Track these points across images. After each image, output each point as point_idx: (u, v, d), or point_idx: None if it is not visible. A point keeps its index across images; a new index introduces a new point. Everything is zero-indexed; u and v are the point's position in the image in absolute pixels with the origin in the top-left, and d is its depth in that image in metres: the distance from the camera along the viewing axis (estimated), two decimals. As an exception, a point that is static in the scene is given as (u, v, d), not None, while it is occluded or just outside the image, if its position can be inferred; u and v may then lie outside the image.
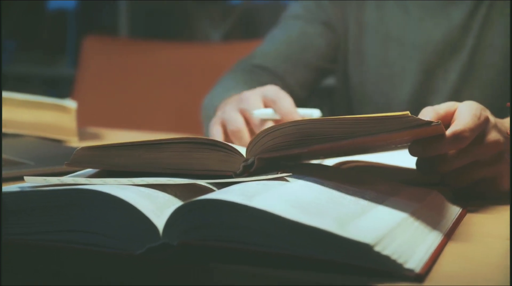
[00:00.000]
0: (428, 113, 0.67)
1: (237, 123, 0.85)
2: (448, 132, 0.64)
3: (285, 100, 0.85)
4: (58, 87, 3.16)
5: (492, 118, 0.70)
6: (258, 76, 1.16)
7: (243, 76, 1.15)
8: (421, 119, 0.58)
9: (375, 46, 1.20)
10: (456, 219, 0.62)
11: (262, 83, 1.14)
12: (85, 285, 0.52)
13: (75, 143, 1.08)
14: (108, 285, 0.52)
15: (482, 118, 0.67)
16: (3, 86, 1.16)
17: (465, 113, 0.66)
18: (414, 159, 0.69)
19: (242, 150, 0.61)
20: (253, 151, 0.61)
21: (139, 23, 3.07)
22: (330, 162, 0.75)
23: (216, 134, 0.87)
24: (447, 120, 0.67)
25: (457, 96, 1.13)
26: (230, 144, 0.61)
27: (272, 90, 0.87)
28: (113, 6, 3.08)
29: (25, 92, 1.11)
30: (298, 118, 0.84)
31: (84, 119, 1.54)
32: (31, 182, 0.56)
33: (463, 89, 1.13)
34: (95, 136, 1.17)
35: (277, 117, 0.84)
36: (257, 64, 1.18)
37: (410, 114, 0.57)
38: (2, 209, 0.54)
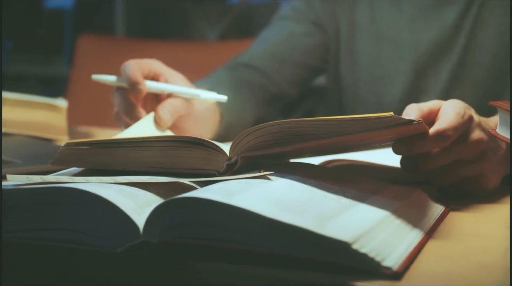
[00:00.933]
0: (412, 111, 0.67)
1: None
2: (431, 130, 0.65)
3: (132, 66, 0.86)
4: (55, 87, 3.16)
5: (476, 117, 0.70)
6: (240, 73, 1.16)
7: (224, 73, 1.15)
8: (402, 118, 0.58)
9: (367, 46, 1.20)
10: (439, 217, 0.62)
11: (244, 80, 1.14)
12: (66, 283, 0.52)
13: (65, 142, 1.08)
14: (90, 283, 0.52)
15: (465, 117, 0.67)
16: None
17: (449, 112, 0.67)
18: (399, 157, 0.69)
19: (226, 149, 0.61)
20: (236, 149, 0.61)
21: (136, 22, 3.07)
22: (316, 160, 0.75)
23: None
24: (431, 118, 0.68)
25: (448, 95, 1.13)
26: (213, 142, 0.61)
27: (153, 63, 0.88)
28: (110, 6, 3.08)
29: (22, 92, 1.11)
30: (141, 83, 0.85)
31: (79, 118, 1.54)
32: (13, 180, 0.56)
33: (454, 89, 1.14)
34: (86, 135, 1.17)
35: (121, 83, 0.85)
36: (242, 62, 1.19)
37: (393, 114, 0.57)
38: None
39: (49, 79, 3.22)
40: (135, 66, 0.85)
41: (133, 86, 0.84)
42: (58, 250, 0.52)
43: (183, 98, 0.87)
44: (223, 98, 0.89)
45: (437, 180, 0.70)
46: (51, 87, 3.16)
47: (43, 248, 0.53)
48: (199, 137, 0.61)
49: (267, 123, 0.61)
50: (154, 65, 0.89)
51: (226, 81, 1.11)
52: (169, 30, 3.02)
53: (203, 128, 0.95)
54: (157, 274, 0.50)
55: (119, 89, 0.87)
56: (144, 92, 0.85)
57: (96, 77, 0.88)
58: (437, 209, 0.64)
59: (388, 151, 0.73)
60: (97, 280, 0.52)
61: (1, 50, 2.83)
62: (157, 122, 0.84)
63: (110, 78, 0.87)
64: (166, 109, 0.84)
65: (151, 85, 0.86)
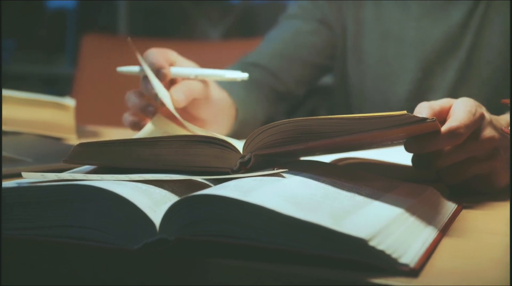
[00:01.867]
0: (423, 109, 0.67)
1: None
2: (444, 128, 0.65)
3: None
4: (57, 86, 3.16)
5: (487, 115, 0.70)
6: (249, 72, 1.16)
7: None
8: (416, 116, 0.58)
9: (374, 44, 1.21)
10: (452, 215, 0.62)
11: (252, 80, 1.14)
12: (82, 281, 0.52)
13: (74, 140, 1.09)
14: (105, 281, 0.52)
15: (477, 115, 0.67)
16: (2, 84, 1.16)
17: (461, 110, 0.67)
18: (410, 155, 0.69)
19: (239, 146, 0.62)
20: (249, 147, 0.61)
21: (138, 22, 3.08)
22: (327, 158, 0.76)
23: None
24: (442, 116, 0.68)
25: (455, 94, 1.14)
26: (226, 139, 0.61)
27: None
28: (112, 5, 3.08)
29: (24, 91, 1.12)
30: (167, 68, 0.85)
31: (83, 117, 1.54)
32: (29, 178, 0.56)
33: (461, 87, 1.14)
34: (94, 134, 1.17)
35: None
36: (250, 62, 1.19)
37: (407, 113, 0.57)
38: (1, 205, 0.54)
39: (51, 78, 3.22)
40: (158, 52, 0.86)
41: (158, 71, 0.84)
42: (74, 247, 0.52)
43: (199, 82, 0.87)
44: (245, 75, 0.89)
45: (448, 178, 0.70)
46: (53, 86, 3.16)
47: (59, 245, 0.53)
48: (212, 134, 0.62)
49: (280, 121, 0.61)
50: (171, 54, 0.89)
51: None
52: (171, 29, 3.03)
53: (220, 120, 0.95)
54: (172, 272, 0.51)
55: (134, 91, 0.87)
56: (169, 76, 0.85)
57: (121, 69, 0.89)
58: (450, 206, 0.64)
59: (398, 149, 0.73)
60: (113, 277, 0.52)
61: (0, 49, 2.83)
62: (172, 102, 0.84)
63: (134, 69, 0.88)
64: (180, 90, 0.85)
65: (174, 70, 0.86)
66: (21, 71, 3.17)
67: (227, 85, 1.00)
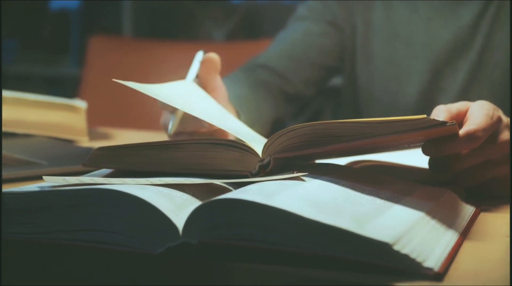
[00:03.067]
0: (440, 113, 0.67)
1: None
2: (461, 131, 0.65)
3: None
4: (60, 87, 3.17)
5: (504, 118, 0.70)
6: (257, 74, 1.17)
7: (241, 74, 1.15)
8: (436, 120, 0.58)
9: (383, 46, 1.21)
10: (471, 218, 0.62)
11: (261, 81, 1.14)
12: (103, 284, 0.53)
13: (85, 143, 1.09)
14: (127, 285, 0.52)
15: (494, 118, 0.67)
16: (5, 85, 1.16)
17: (478, 113, 0.67)
18: (426, 158, 0.69)
19: (258, 150, 0.62)
20: (269, 151, 0.61)
21: (142, 23, 3.08)
22: (342, 161, 0.76)
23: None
24: (459, 119, 0.68)
25: (465, 95, 1.14)
26: (245, 143, 0.62)
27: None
28: (116, 6, 3.08)
29: (27, 92, 1.12)
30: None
31: (90, 119, 1.54)
32: (50, 181, 0.56)
33: (471, 89, 1.14)
34: (105, 136, 1.17)
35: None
36: (259, 63, 1.19)
37: (426, 116, 0.57)
38: (17, 208, 0.54)
39: (55, 79, 3.22)
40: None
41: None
42: (95, 251, 0.52)
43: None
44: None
45: (465, 181, 0.70)
46: (57, 87, 3.17)
47: (81, 249, 0.53)
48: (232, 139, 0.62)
49: (299, 124, 0.61)
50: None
51: (243, 80, 1.11)
52: (175, 30, 3.03)
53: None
54: (194, 276, 0.51)
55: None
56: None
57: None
58: (469, 209, 0.65)
59: (414, 151, 0.73)
60: (133, 280, 0.52)
61: (0, 49, 2.83)
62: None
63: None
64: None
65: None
66: (24, 71, 3.17)
67: (231, 85, 0.99)
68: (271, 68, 1.18)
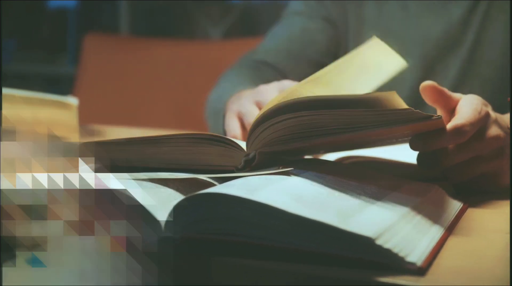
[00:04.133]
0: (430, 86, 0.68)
1: (255, 115, 0.85)
2: (449, 126, 0.65)
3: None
4: (58, 86, 3.17)
5: (492, 113, 0.70)
6: (262, 72, 1.16)
7: (248, 72, 1.15)
8: (422, 113, 0.58)
9: (375, 42, 1.20)
10: (458, 213, 0.62)
11: (267, 80, 1.14)
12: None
13: (76, 140, 1.08)
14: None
15: (482, 113, 0.67)
16: (3, 84, 1.16)
17: (466, 107, 0.67)
18: (415, 154, 0.69)
19: (243, 144, 0.61)
20: (254, 145, 0.61)
21: (139, 21, 3.07)
22: (331, 157, 0.75)
23: (234, 127, 0.86)
24: (449, 104, 0.67)
25: (457, 91, 1.13)
26: (231, 138, 0.61)
27: (290, 85, 0.87)
28: (114, 5, 3.08)
29: (26, 90, 1.11)
30: None
31: (85, 117, 1.54)
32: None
33: (462, 85, 1.14)
34: (96, 133, 1.17)
35: None
36: (259, 59, 1.18)
37: (410, 108, 0.57)
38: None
39: (53, 78, 3.22)
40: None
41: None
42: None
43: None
44: None
45: (454, 176, 0.70)
46: (55, 86, 3.16)
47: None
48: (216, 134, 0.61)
49: (283, 115, 0.60)
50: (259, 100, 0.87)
51: (253, 78, 1.10)
52: (172, 28, 3.02)
53: None
54: (177, 270, 0.50)
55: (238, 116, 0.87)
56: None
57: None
58: (456, 205, 0.64)
59: (402, 147, 0.73)
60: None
61: (0, 49, 2.83)
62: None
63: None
64: None
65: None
66: (22, 70, 3.17)
67: (237, 85, 0.99)
68: (271, 65, 1.18)
